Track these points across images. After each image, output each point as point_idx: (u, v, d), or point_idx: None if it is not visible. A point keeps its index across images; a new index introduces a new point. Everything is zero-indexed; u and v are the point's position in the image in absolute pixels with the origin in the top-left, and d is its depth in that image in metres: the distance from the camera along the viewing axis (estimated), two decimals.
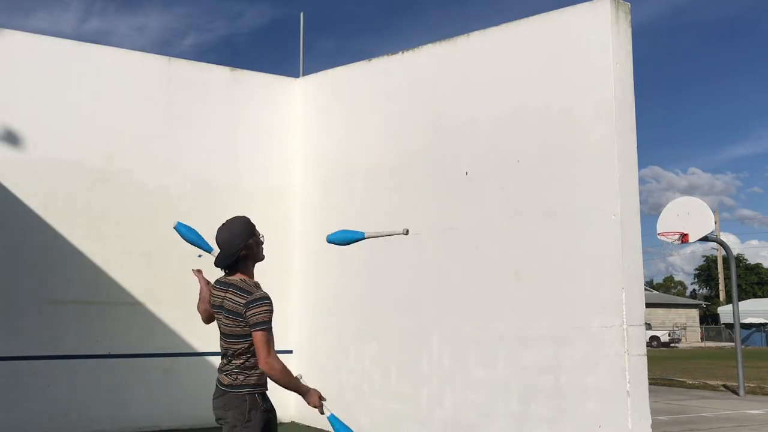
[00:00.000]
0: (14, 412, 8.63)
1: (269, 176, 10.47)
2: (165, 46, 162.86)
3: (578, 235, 7.00)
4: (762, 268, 67.25)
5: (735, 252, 19.58)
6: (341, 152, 9.83)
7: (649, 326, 43.27)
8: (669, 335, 44.07)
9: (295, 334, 10.22)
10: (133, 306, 9.41)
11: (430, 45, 8.77)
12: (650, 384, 6.92)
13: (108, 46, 9.98)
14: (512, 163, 7.61)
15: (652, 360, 9.25)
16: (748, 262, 66.84)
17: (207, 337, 10.12)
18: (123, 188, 9.52)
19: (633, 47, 7.13)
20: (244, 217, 3.75)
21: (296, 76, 10.90)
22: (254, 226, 3.74)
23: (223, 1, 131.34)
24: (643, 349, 6.72)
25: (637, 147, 7.06)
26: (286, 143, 10.62)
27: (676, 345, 44.47)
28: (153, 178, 9.73)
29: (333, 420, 3.66)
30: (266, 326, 3.45)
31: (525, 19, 7.79)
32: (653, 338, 41.62)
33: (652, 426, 6.67)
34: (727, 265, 41.57)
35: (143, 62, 9.96)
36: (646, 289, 23.11)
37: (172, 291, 9.60)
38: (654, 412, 7.07)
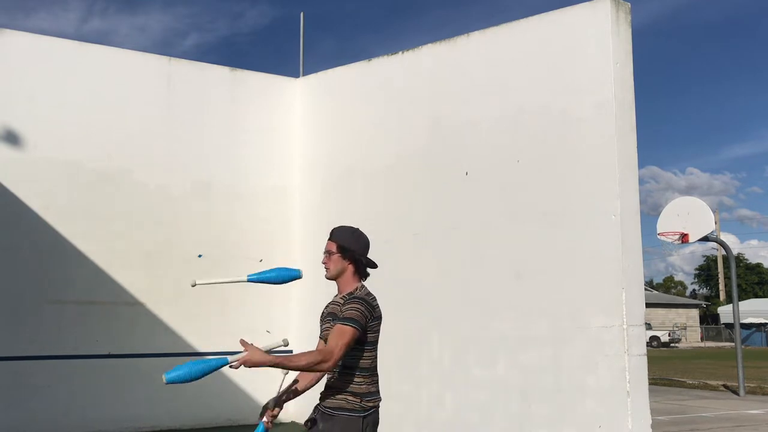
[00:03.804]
0: (14, 412, 8.63)
1: (269, 176, 10.47)
2: (166, 46, 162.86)
3: (578, 235, 7.00)
4: (762, 267, 67.24)
5: (735, 252, 19.58)
6: (341, 152, 9.83)
7: (649, 326, 43.28)
8: (669, 335, 44.08)
9: (295, 334, 10.21)
10: (134, 306, 9.41)
11: (430, 45, 8.77)
12: (650, 384, 6.92)
13: (108, 46, 9.99)
14: (512, 163, 7.61)
15: (652, 360, 9.25)
16: (748, 262, 66.85)
17: (207, 337, 10.17)
18: (123, 188, 9.52)
19: (633, 47, 7.14)
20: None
21: (296, 76, 10.90)
22: None
23: (224, 2, 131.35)
24: (643, 349, 6.73)
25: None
26: (286, 143, 10.63)
27: (676, 345, 44.48)
28: (153, 178, 9.73)
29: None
30: None
31: (525, 19, 7.79)
32: (653, 338, 41.63)
33: (652, 426, 6.67)
34: (727, 264, 41.60)
35: (143, 62, 9.96)
36: (646, 289, 23.11)
37: (172, 291, 9.61)
38: (654, 412, 7.08)
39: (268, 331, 10.01)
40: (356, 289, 3.52)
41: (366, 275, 3.61)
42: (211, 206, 10.04)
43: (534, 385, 7.17)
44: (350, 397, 3.40)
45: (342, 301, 3.49)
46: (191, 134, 10.06)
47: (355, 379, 3.41)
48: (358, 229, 3.63)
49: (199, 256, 9.84)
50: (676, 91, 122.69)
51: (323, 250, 3.61)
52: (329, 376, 3.48)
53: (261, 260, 9.77)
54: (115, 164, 9.51)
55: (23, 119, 9.05)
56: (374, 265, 3.60)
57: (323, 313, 3.62)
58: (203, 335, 9.71)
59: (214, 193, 10.08)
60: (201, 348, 9.67)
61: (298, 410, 9.97)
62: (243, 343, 3.22)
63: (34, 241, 8.96)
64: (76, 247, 9.15)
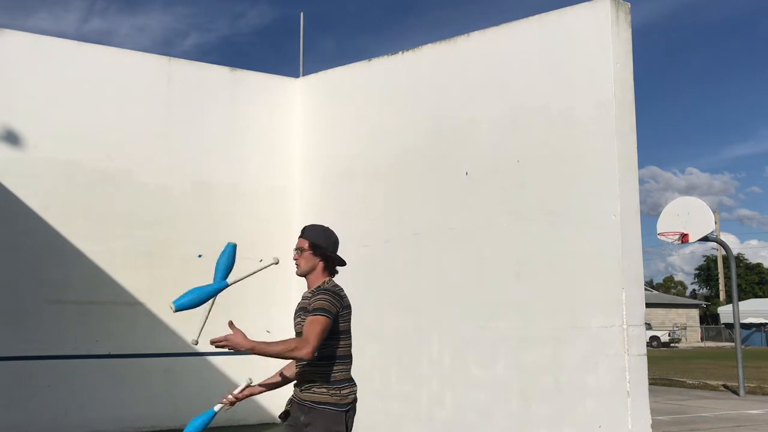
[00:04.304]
0: (14, 412, 8.63)
1: (269, 176, 10.47)
2: (166, 46, 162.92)
3: (578, 235, 7.00)
4: (762, 267, 67.26)
5: (735, 252, 19.58)
6: (341, 152, 9.83)
7: (649, 326, 43.27)
8: (669, 335, 44.10)
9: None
10: (134, 306, 9.40)
11: (430, 45, 8.77)
12: (650, 384, 6.92)
13: (108, 46, 9.99)
14: (512, 163, 7.62)
15: (652, 360, 9.25)
16: (748, 262, 66.84)
17: (207, 337, 10.15)
18: (123, 188, 9.52)
19: (633, 47, 7.14)
20: None
21: (296, 76, 10.90)
22: None
23: (224, 2, 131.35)
24: (643, 349, 6.73)
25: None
26: (286, 143, 10.62)
27: (676, 345, 44.50)
28: (153, 178, 9.73)
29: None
30: None
31: (525, 19, 7.79)
32: (653, 338, 41.64)
33: (652, 426, 6.67)
34: (727, 264, 41.59)
35: (143, 62, 9.96)
36: (646, 289, 23.11)
37: (172, 291, 9.54)
38: (654, 412, 7.08)
39: (268, 331, 10.00)
40: (323, 282, 3.60)
41: (335, 272, 3.70)
42: (211, 206, 10.03)
43: (534, 385, 7.17)
44: (332, 390, 3.45)
45: (311, 296, 3.58)
46: (191, 134, 10.06)
47: (334, 368, 3.48)
48: (328, 227, 3.76)
49: (199, 256, 9.83)
50: (676, 91, 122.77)
51: (294, 247, 3.71)
52: (305, 368, 3.53)
53: (261, 260, 9.74)
54: (115, 164, 9.51)
55: (23, 119, 9.05)
56: (343, 263, 3.70)
57: (296, 309, 3.72)
58: (203, 335, 9.70)
59: (214, 193, 10.08)
60: (201, 348, 9.65)
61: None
62: (231, 325, 3.57)
63: (34, 241, 8.96)
64: (76, 247, 9.15)
